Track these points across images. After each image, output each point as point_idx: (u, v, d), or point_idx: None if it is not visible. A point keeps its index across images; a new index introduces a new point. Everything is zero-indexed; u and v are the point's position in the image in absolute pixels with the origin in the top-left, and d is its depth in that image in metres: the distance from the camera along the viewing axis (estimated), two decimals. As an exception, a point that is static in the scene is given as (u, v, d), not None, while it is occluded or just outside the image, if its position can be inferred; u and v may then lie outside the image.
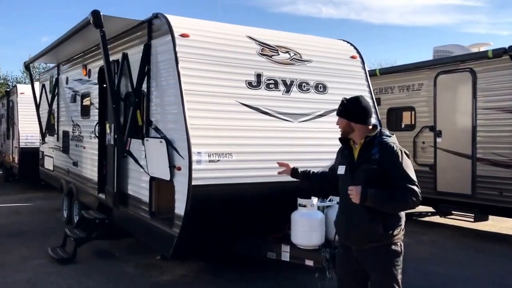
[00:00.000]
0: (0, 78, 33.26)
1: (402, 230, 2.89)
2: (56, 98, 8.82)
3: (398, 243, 2.85)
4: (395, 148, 2.84)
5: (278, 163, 3.75)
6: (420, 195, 2.77)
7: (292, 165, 3.62)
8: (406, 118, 8.55)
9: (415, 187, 2.75)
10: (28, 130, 11.89)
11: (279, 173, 3.73)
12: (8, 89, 15.79)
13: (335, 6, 61.99)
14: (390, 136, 2.94)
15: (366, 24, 57.62)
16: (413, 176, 2.80)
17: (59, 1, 53.91)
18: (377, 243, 2.81)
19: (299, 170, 3.58)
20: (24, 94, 11.99)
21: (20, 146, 12.17)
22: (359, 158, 2.93)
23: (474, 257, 6.38)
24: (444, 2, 56.96)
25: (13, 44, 50.11)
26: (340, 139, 3.09)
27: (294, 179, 4.92)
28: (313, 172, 3.51)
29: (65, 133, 8.17)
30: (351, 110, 2.99)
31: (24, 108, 12.06)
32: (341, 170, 3.01)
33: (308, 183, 3.55)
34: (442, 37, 55.71)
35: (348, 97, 3.10)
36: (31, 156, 11.26)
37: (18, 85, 13.38)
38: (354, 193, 2.76)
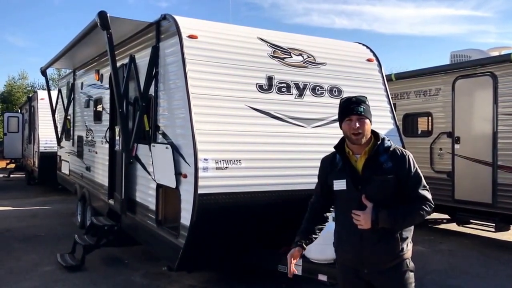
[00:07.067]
0: (28, 86, 34.20)
1: (411, 242, 2.58)
2: (71, 103, 8.86)
3: (410, 257, 2.55)
4: (405, 152, 2.51)
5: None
6: (432, 200, 2.49)
7: (297, 253, 2.69)
8: (423, 124, 8.27)
9: (428, 193, 2.47)
10: (47, 134, 12.00)
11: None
12: (30, 95, 16.07)
13: (348, 17, 62.54)
14: (387, 139, 2.56)
15: (377, 34, 58.49)
16: (424, 180, 2.50)
17: (88, 11, 55.28)
18: (395, 261, 2.49)
19: (303, 244, 2.70)
20: (44, 99, 12.11)
21: (40, 151, 12.34)
22: (367, 169, 2.47)
23: (496, 269, 6.00)
24: (453, 13, 57.13)
25: (40, 52, 51.66)
26: (336, 147, 2.60)
27: (308, 188, 4.67)
28: (308, 230, 2.73)
29: (80, 138, 8.15)
30: (369, 110, 2.53)
31: (44, 113, 12.23)
32: (341, 185, 2.52)
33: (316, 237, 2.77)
34: (452, 46, 55.71)
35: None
36: (50, 160, 11.37)
37: (38, 91, 13.60)
38: (362, 219, 2.38)
